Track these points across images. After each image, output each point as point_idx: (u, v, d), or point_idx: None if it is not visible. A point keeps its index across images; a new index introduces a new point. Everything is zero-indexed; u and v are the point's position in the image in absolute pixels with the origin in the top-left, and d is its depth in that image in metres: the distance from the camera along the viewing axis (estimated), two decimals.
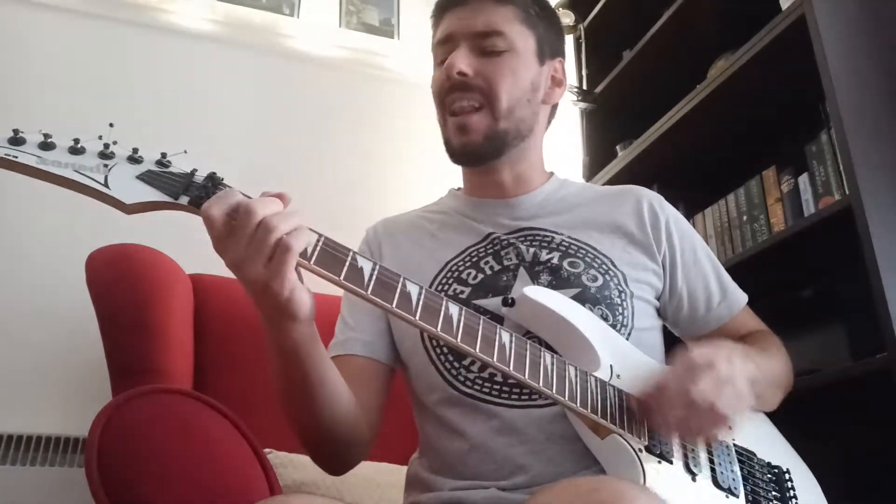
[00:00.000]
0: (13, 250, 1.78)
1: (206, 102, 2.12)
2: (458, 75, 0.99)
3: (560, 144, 2.31)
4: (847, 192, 1.29)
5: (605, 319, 0.93)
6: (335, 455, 0.93)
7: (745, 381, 0.81)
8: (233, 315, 1.51)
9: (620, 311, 0.95)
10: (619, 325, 0.94)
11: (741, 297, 1.06)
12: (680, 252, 1.03)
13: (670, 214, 1.06)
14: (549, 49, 1.08)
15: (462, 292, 0.96)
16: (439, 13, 1.08)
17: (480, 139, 1.00)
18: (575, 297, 0.92)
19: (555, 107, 1.13)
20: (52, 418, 1.66)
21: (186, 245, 1.59)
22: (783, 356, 1.02)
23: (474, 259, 1.00)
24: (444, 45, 1.04)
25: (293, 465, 1.29)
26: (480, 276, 0.98)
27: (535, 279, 0.96)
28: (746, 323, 1.06)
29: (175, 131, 2.01)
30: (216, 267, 1.61)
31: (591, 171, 2.17)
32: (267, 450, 1.23)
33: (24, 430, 1.64)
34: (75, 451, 1.65)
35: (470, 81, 0.99)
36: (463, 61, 0.99)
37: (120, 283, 1.31)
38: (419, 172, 2.25)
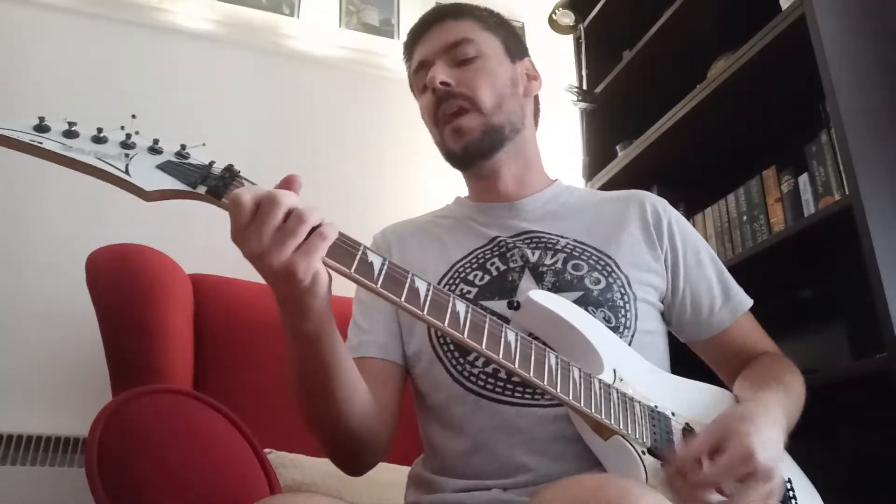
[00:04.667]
0: (13, 250, 1.78)
1: (206, 102, 2.12)
2: (442, 85, 1.03)
3: (560, 144, 2.31)
4: (847, 192, 1.29)
5: (608, 322, 0.93)
6: (355, 453, 0.93)
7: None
8: (233, 315, 1.51)
9: (623, 313, 0.95)
10: (621, 328, 0.94)
11: (745, 301, 1.05)
12: (682, 255, 1.04)
13: (673, 217, 1.07)
14: (516, 51, 1.13)
15: (469, 292, 0.97)
16: (410, 47, 1.13)
17: (478, 135, 1.03)
18: (578, 300, 0.93)
19: (537, 100, 1.17)
20: (52, 418, 1.66)
21: (186, 245, 1.60)
22: (800, 382, 0.98)
23: (480, 261, 1.01)
24: (422, 71, 1.09)
25: (293, 465, 1.29)
26: (487, 277, 0.99)
27: (539, 280, 0.97)
28: (750, 331, 1.05)
29: (175, 131, 1.99)
30: (216, 267, 1.61)
31: (591, 171, 2.17)
32: (267, 450, 1.23)
33: (24, 430, 1.64)
34: (75, 451, 1.65)
35: (453, 90, 1.03)
36: (442, 72, 1.04)
37: (120, 284, 1.31)
38: (419, 172, 2.25)
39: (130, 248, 1.38)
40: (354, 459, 0.94)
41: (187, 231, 1.69)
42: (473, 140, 1.03)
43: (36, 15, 2.00)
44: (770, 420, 0.81)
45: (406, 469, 1.05)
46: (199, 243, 1.60)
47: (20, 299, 1.74)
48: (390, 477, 1.32)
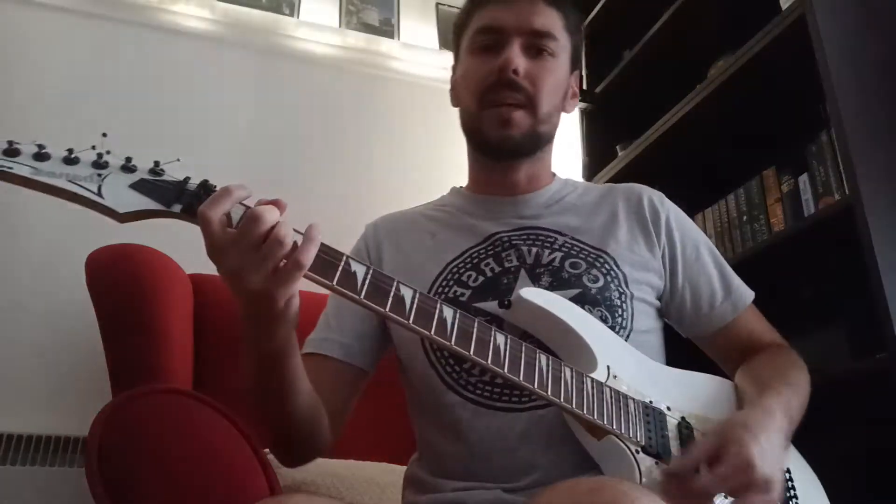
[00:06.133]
0: (13, 250, 1.78)
1: (206, 102, 2.12)
2: (513, 74, 0.98)
3: (560, 144, 2.30)
4: (847, 192, 1.29)
5: (605, 321, 0.92)
6: (291, 451, 0.94)
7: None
8: (233, 315, 1.49)
9: (620, 312, 0.94)
10: (618, 327, 0.93)
11: (747, 295, 1.04)
12: (681, 249, 1.03)
13: (671, 211, 1.06)
14: (575, 61, 1.10)
15: (462, 294, 0.95)
16: (482, 1, 1.06)
17: (520, 136, 1.00)
18: (575, 298, 0.92)
19: None
20: (52, 418, 1.66)
21: (186, 245, 1.59)
22: (805, 376, 0.97)
23: (475, 261, 0.99)
24: (490, 35, 1.02)
25: None
26: (481, 278, 0.97)
27: (535, 281, 0.95)
28: (753, 324, 1.04)
29: (175, 131, 2.01)
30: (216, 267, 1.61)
31: (591, 171, 2.17)
32: (267, 450, 1.23)
33: (24, 430, 1.64)
34: (75, 451, 1.65)
35: (519, 81, 0.99)
36: (518, 58, 0.98)
37: (120, 284, 1.31)
38: (419, 172, 2.25)
39: (130, 248, 1.38)
40: (291, 455, 0.96)
41: (187, 231, 1.68)
42: (515, 137, 1.00)
43: (36, 15, 2.00)
44: (772, 429, 0.79)
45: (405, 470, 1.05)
46: (199, 243, 1.59)
47: (20, 299, 1.74)
48: (390, 477, 1.32)
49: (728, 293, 1.03)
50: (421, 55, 2.45)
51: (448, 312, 0.75)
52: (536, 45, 1.01)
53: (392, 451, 1.29)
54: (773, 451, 0.77)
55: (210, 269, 1.70)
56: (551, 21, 1.02)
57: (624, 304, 0.95)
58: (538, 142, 1.03)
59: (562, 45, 1.04)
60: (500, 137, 1.00)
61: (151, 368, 1.24)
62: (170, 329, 1.32)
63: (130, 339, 1.26)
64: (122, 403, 0.96)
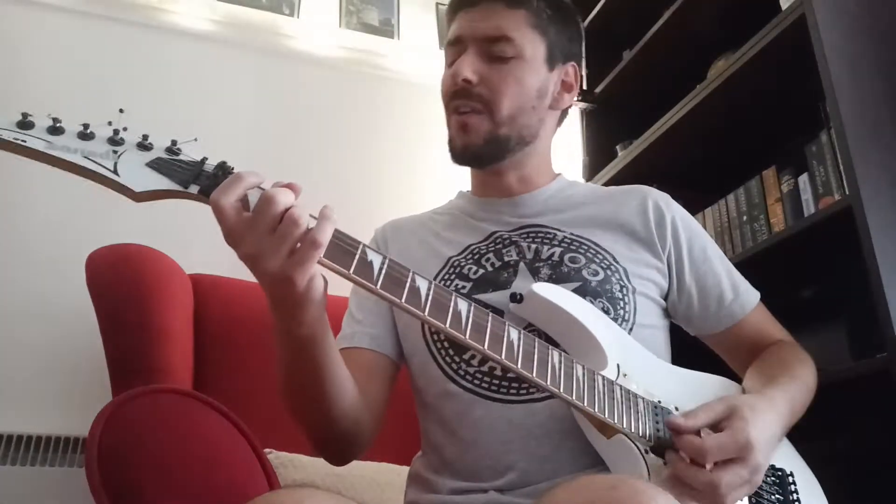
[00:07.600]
0: (13, 250, 1.78)
1: (206, 102, 2.12)
2: (463, 82, 0.99)
3: (560, 144, 2.31)
4: (847, 192, 1.29)
5: (607, 313, 0.93)
6: (339, 448, 0.93)
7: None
8: (233, 315, 1.51)
9: (622, 305, 0.95)
10: (620, 319, 0.94)
11: (754, 295, 1.05)
12: (687, 250, 1.03)
13: (676, 213, 1.06)
14: (561, 54, 1.06)
15: (463, 287, 0.97)
16: (452, 13, 1.07)
17: (480, 142, 1.00)
18: (575, 291, 0.92)
19: (564, 111, 1.13)
20: (52, 418, 1.66)
21: (186, 245, 1.60)
22: (811, 371, 0.99)
23: (476, 256, 1.01)
24: (454, 47, 1.04)
25: (293, 465, 1.30)
26: (481, 271, 0.99)
27: (535, 275, 0.96)
28: (761, 322, 1.05)
29: (174, 132, 2.00)
30: (216, 267, 1.61)
31: (591, 171, 2.17)
32: (267, 450, 1.24)
33: (24, 430, 1.64)
34: (75, 451, 1.65)
35: (473, 89, 0.99)
36: (468, 68, 0.99)
37: (120, 283, 1.31)
38: (419, 172, 2.25)
39: (130, 248, 1.39)
40: (340, 452, 0.94)
41: (187, 231, 1.69)
42: (474, 143, 1.00)
43: (35, 15, 2.00)
44: (772, 420, 0.83)
45: (405, 469, 1.06)
46: (199, 243, 1.60)
47: (20, 299, 1.74)
48: (390, 477, 1.33)
49: (736, 294, 1.04)
50: (421, 55, 2.45)
51: (462, 305, 0.75)
52: (490, 51, 1.00)
53: (392, 451, 1.29)
54: (769, 442, 0.81)
55: (210, 268, 1.71)
56: (508, 23, 1.00)
57: (626, 298, 0.96)
58: (504, 145, 1.01)
59: (524, 44, 1.00)
60: (463, 145, 1.01)
61: (151, 368, 1.24)
62: (170, 329, 1.32)
63: (130, 339, 1.26)
64: (122, 403, 0.96)
